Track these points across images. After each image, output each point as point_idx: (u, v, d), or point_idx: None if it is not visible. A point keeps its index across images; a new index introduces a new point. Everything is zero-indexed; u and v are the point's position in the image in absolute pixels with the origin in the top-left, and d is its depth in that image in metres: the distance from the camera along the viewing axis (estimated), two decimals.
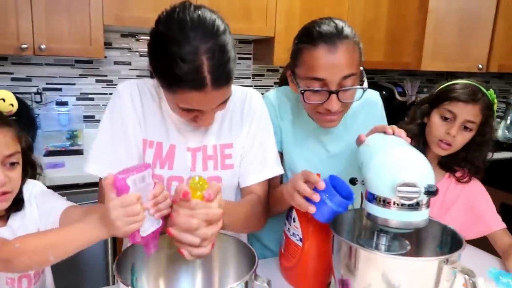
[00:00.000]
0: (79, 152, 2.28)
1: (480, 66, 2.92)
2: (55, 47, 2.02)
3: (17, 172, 0.92)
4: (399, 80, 3.24)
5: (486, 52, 2.93)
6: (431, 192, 0.75)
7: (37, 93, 2.29)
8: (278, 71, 2.90)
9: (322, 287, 1.06)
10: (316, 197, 0.90)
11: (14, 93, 1.03)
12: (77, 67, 2.42)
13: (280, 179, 1.20)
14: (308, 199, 0.91)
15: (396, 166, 0.79)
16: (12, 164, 0.91)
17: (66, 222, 0.94)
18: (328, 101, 1.03)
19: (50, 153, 2.22)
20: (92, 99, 2.49)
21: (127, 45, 2.52)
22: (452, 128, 1.23)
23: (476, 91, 1.23)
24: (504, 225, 1.29)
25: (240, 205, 1.04)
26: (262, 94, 1.19)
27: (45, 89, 2.35)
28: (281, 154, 1.21)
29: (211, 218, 0.80)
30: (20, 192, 0.96)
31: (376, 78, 3.27)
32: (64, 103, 2.33)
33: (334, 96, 1.02)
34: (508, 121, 3.09)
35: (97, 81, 2.48)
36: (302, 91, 1.05)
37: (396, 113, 2.45)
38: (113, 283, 1.96)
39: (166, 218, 0.84)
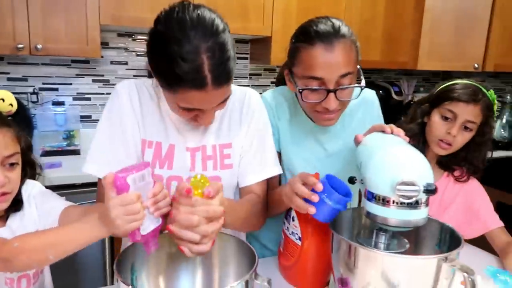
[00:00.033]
0: (76, 152, 2.27)
1: (476, 65, 2.94)
2: (51, 47, 2.01)
3: (17, 172, 0.92)
4: (396, 80, 3.25)
5: (482, 51, 2.96)
6: (430, 191, 0.76)
7: (34, 93, 2.28)
8: (275, 70, 2.90)
9: (321, 286, 1.06)
10: (315, 198, 0.90)
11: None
12: (73, 67, 2.41)
13: (279, 179, 1.21)
14: (307, 200, 0.92)
15: (395, 165, 0.79)
16: (12, 164, 0.90)
17: (65, 222, 0.94)
18: (326, 100, 1.03)
19: (46, 153, 2.21)
20: (89, 99, 2.48)
21: (124, 45, 2.51)
22: (453, 128, 1.23)
23: (477, 91, 1.23)
24: (501, 224, 1.30)
25: (240, 205, 1.04)
26: (260, 94, 1.19)
27: (41, 89, 2.34)
28: (279, 154, 1.21)
29: (211, 215, 0.80)
30: (19, 192, 0.96)
31: (373, 77, 3.28)
32: (61, 103, 2.32)
33: (332, 94, 1.02)
34: (504, 120, 3.12)
35: (93, 81, 2.47)
36: (300, 90, 1.05)
37: (392, 112, 2.47)
38: (111, 283, 1.96)
39: (165, 217, 0.85)
